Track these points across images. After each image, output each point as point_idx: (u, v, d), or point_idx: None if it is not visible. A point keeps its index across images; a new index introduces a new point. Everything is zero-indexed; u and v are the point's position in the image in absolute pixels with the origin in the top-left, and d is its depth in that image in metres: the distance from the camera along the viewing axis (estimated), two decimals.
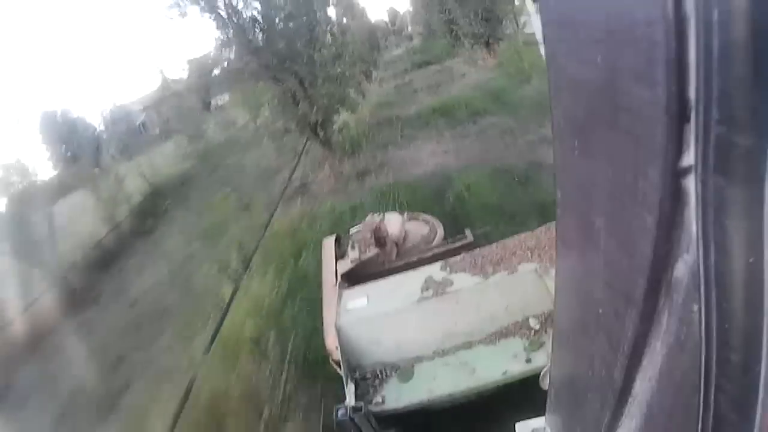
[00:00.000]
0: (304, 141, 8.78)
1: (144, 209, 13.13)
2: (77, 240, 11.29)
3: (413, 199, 5.98)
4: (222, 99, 25.22)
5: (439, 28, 16.60)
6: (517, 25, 12.57)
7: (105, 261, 11.13)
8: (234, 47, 8.37)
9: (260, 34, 8.13)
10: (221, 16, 8.11)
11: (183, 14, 8.35)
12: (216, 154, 16.76)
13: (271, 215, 7.58)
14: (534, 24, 9.97)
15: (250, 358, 4.20)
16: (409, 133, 8.89)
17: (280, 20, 8.17)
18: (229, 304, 5.43)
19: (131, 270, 9.99)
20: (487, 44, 13.06)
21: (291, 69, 7.94)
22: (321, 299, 3.33)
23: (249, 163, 12.35)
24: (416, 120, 9.43)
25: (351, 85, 8.92)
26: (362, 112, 9.91)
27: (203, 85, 26.71)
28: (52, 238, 10.21)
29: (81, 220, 11.77)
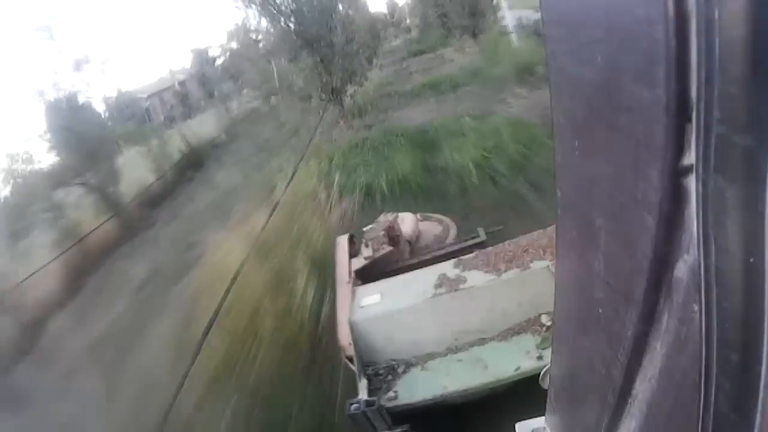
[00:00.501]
0: (324, 106, 11.55)
1: (183, 164, 15.40)
2: (128, 187, 12.95)
3: (405, 132, 8.40)
4: (227, 86, 26.48)
5: (434, 21, 18.90)
6: (496, 18, 14.73)
7: (156, 200, 13.04)
8: (275, 33, 11.69)
9: (295, 23, 10.88)
10: (270, 9, 10.90)
11: (248, 6, 11.11)
12: (240, 125, 19.22)
13: (306, 147, 10.21)
14: (506, 16, 12.70)
15: (309, 197, 6.48)
16: (404, 102, 11.63)
17: (308, 12, 10.79)
18: (291, 178, 7.80)
19: (183, 202, 11.89)
20: (474, 35, 15.15)
21: (317, 49, 10.69)
22: (351, 170, 6.02)
23: (275, 127, 14.56)
24: (410, 93, 12.22)
25: (357, 66, 11.72)
26: (366, 88, 12.72)
27: (206, 74, 27.76)
28: (114, 178, 11.93)
29: (131, 173, 13.52)
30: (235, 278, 4.83)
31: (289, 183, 7.49)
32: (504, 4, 13.10)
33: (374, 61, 17.31)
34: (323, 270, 4.25)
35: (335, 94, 11.06)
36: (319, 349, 3.62)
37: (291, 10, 10.80)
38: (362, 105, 11.87)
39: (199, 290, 5.32)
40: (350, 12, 13.63)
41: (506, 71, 9.40)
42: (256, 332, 3.83)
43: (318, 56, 10.65)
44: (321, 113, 11.74)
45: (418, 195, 5.80)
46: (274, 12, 10.88)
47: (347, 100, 11.52)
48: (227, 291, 4.64)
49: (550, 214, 4.61)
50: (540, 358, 2.50)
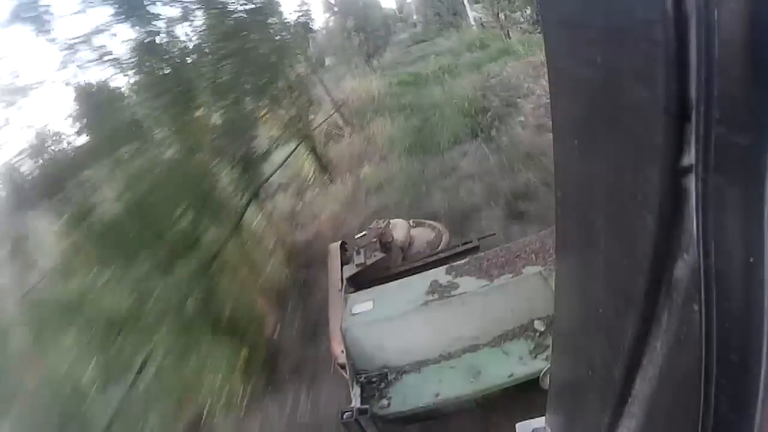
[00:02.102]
0: (363, 65, 18.82)
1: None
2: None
3: (407, 72, 15.50)
4: None
5: (431, 18, 26.04)
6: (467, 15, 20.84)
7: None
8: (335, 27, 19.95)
9: (352, 20, 18.81)
10: (334, 11, 19.19)
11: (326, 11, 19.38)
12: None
13: (359, 75, 16.71)
14: (469, 15, 19.89)
15: (368, 82, 14.05)
16: (407, 65, 18.80)
17: (356, 14, 18.80)
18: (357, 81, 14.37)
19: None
20: (456, 27, 21.30)
21: (361, 33, 18.79)
22: (383, 80, 14.71)
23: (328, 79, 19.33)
24: (410, 61, 19.46)
25: (380, 44, 20.35)
26: (384, 60, 20.54)
27: None
28: None
29: None
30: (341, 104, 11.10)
31: (356, 81, 14.48)
32: (467, 7, 19.92)
33: (387, 48, 24.46)
34: (378, 90, 12.34)
35: (369, 59, 19.56)
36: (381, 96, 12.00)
37: (347, 13, 19.83)
38: (383, 66, 20.09)
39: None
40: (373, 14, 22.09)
41: (463, 47, 16.50)
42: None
43: (363, 37, 19.14)
44: (363, 67, 19.84)
45: (410, 84, 13.18)
46: (338, 12, 19.82)
47: (375, 63, 20.03)
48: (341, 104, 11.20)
49: (451, 88, 10.62)
50: (534, 364, 2.48)
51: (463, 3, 20.35)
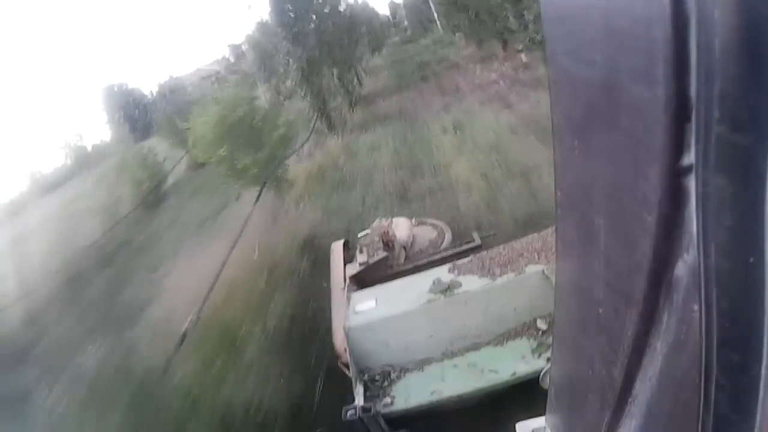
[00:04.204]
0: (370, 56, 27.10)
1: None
2: None
3: (397, 58, 26.22)
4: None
5: (417, 24, 35.84)
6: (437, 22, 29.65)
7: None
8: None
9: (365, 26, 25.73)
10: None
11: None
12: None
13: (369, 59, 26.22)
14: (437, 21, 27.86)
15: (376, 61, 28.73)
16: (398, 55, 27.62)
17: (366, 23, 24.42)
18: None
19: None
20: (432, 32, 29.70)
21: (367, 35, 25.00)
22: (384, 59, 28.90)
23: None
24: (399, 52, 29.12)
25: (381, 42, 30.32)
26: (383, 54, 30.11)
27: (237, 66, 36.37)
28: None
29: None
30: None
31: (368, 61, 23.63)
32: (436, 16, 27.63)
33: (384, 47, 34.02)
34: (380, 64, 27.20)
35: (373, 52, 27.09)
36: (381, 65, 27.57)
37: (361, 22, 25.17)
38: (382, 56, 28.93)
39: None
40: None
41: (431, 42, 25.22)
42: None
43: (369, 38, 25.29)
44: (369, 56, 27.40)
45: (397, 63, 23.70)
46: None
47: (377, 53, 28.49)
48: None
49: (416, 60, 23.60)
50: (536, 362, 2.48)
51: (434, 14, 30.07)
